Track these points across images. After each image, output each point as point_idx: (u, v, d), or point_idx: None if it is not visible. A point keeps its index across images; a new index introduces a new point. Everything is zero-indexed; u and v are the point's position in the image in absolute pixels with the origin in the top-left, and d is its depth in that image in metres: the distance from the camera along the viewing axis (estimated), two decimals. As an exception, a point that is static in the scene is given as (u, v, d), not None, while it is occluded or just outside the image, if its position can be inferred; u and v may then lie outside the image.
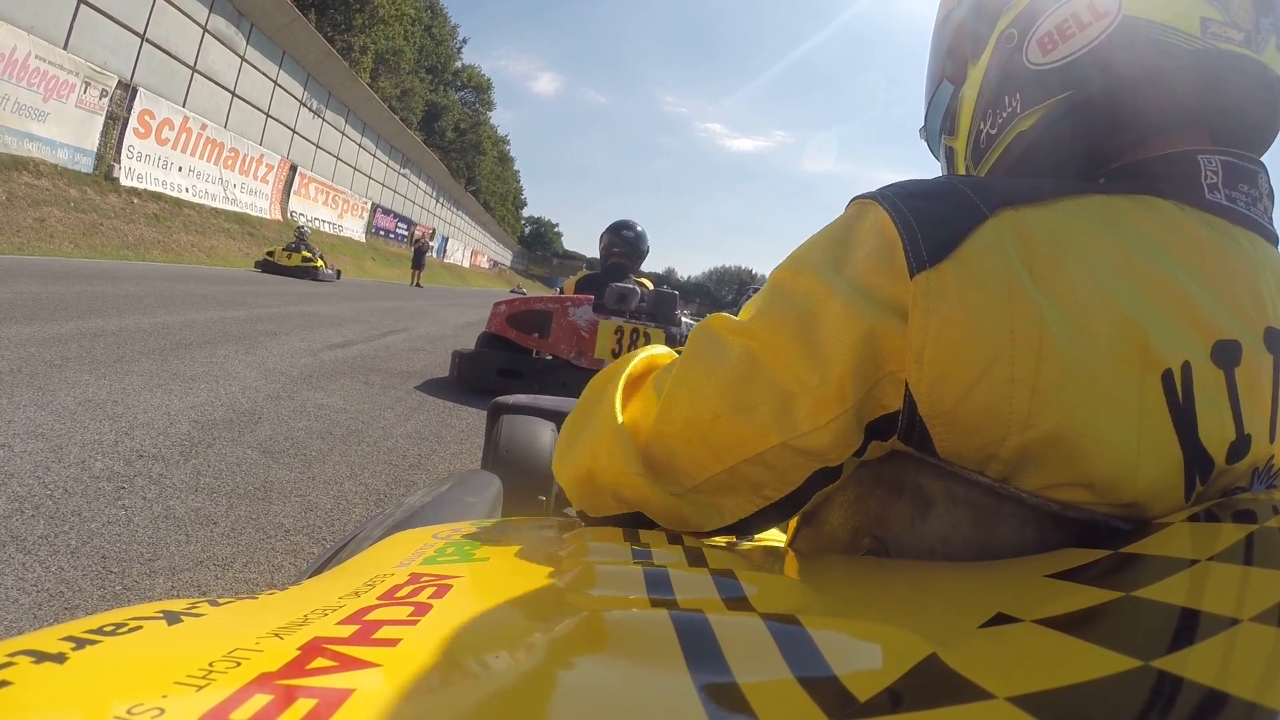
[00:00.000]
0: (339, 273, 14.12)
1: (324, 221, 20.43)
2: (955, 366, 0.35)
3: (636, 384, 0.51)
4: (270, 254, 12.58)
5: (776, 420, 0.39)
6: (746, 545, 0.55)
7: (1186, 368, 0.35)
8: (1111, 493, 0.35)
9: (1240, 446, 0.37)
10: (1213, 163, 0.41)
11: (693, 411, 0.42)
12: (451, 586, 0.34)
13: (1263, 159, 0.44)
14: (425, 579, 0.36)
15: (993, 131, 0.49)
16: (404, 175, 28.36)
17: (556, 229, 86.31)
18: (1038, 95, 0.46)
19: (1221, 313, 0.37)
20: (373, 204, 24.93)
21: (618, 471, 0.46)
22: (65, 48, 10.05)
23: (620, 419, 0.47)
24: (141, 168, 12.13)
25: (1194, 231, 0.39)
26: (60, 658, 0.22)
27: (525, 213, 72.18)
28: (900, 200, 0.39)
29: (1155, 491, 0.35)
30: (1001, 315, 0.35)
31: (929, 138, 0.61)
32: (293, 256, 12.31)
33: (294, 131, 18.37)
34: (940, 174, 0.58)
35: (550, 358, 4.05)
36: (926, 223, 0.37)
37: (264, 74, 16.30)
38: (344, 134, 21.67)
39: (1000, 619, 0.27)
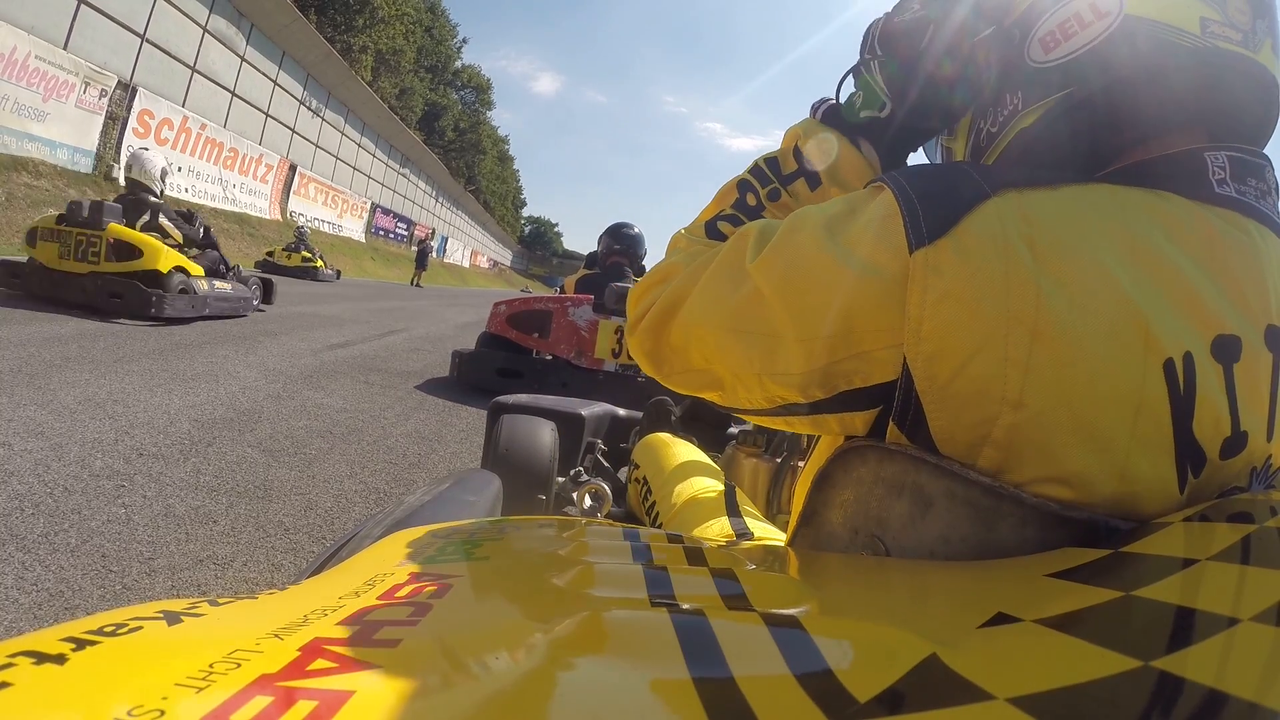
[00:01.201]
0: (339, 273, 14.12)
1: (323, 221, 20.41)
2: (951, 342, 0.36)
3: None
4: (270, 254, 12.59)
5: (762, 352, 0.44)
6: (746, 545, 0.55)
7: (1188, 358, 0.35)
8: (1102, 483, 0.35)
9: (1235, 443, 0.37)
10: (1219, 158, 0.41)
11: (703, 318, 0.48)
12: (451, 586, 0.34)
13: (1264, 152, 0.44)
14: (425, 578, 0.36)
15: (994, 130, 0.50)
16: (404, 175, 28.34)
17: (556, 229, 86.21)
18: (1039, 93, 0.46)
19: (1225, 307, 0.37)
20: (372, 204, 24.92)
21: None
22: (65, 48, 10.04)
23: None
24: (141, 167, 12.12)
25: (1205, 224, 0.39)
26: (60, 659, 0.22)
27: (525, 212, 72.15)
28: (905, 179, 0.40)
29: (1147, 483, 0.35)
30: (997, 293, 0.35)
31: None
32: (292, 256, 12.31)
33: (294, 131, 18.36)
34: None
35: (550, 357, 4.05)
36: (928, 200, 0.38)
37: (264, 74, 16.28)
38: (343, 134, 21.65)
39: (1000, 619, 0.27)
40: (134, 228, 4.40)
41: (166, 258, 4.31)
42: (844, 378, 0.40)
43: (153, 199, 4.66)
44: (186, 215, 5.00)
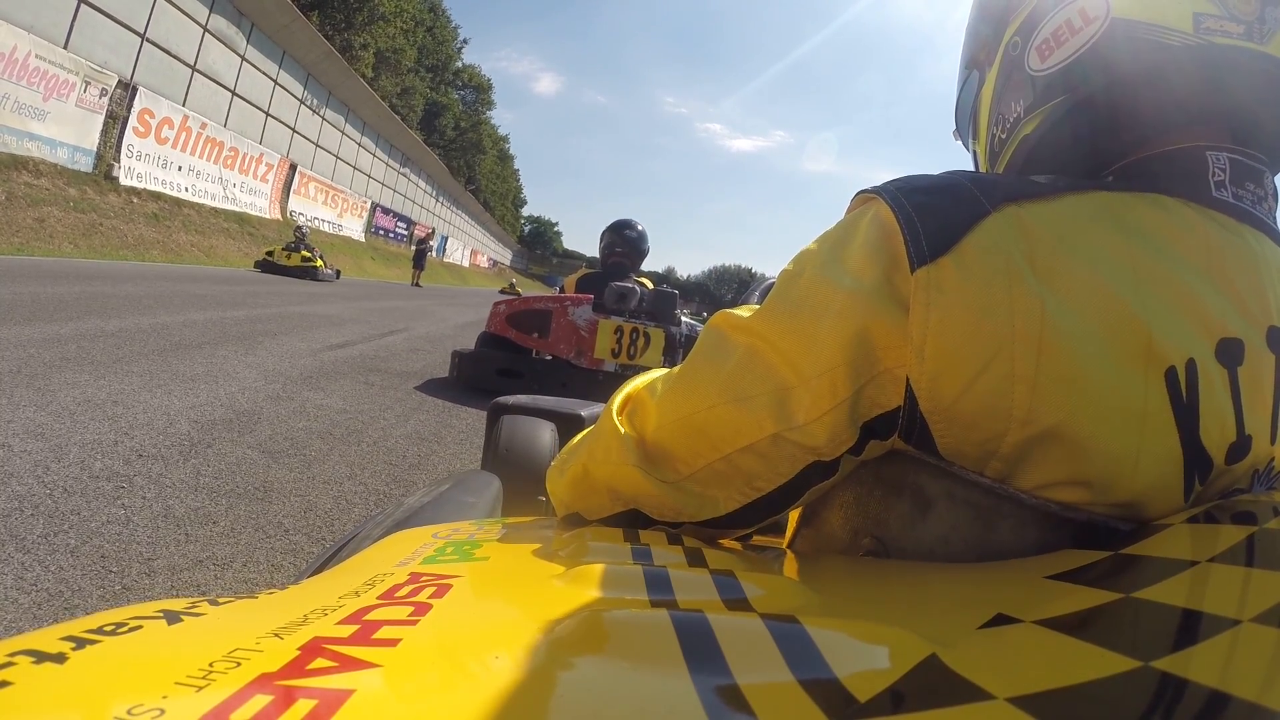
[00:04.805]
0: (338, 272, 14.10)
1: (323, 221, 20.40)
2: (956, 362, 0.35)
3: (633, 397, 0.51)
4: (270, 254, 12.56)
5: (772, 411, 0.40)
6: (746, 546, 0.55)
7: (1191, 365, 0.35)
8: (1109, 491, 0.35)
9: (1240, 447, 0.37)
10: (1220, 159, 0.41)
11: (692, 403, 0.43)
12: (451, 586, 0.34)
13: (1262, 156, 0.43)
14: (425, 579, 0.36)
15: (1003, 137, 0.50)
16: (404, 174, 28.32)
17: (556, 228, 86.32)
18: (1038, 100, 0.46)
19: (1226, 310, 0.37)
20: (372, 203, 24.90)
21: (614, 464, 0.47)
22: (65, 47, 10.03)
23: (617, 419, 0.48)
24: (141, 167, 12.10)
25: (1201, 228, 0.39)
26: (60, 658, 0.22)
27: (525, 212, 72.21)
28: (903, 194, 0.39)
29: (1154, 491, 0.35)
30: (1002, 311, 0.35)
31: (961, 138, 0.61)
32: (292, 256, 12.28)
33: (294, 131, 18.34)
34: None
35: (550, 358, 4.05)
36: (928, 217, 0.37)
37: (264, 73, 16.27)
38: (344, 133, 21.63)
39: (1000, 620, 0.27)
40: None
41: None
42: (869, 404, 0.38)
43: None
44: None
